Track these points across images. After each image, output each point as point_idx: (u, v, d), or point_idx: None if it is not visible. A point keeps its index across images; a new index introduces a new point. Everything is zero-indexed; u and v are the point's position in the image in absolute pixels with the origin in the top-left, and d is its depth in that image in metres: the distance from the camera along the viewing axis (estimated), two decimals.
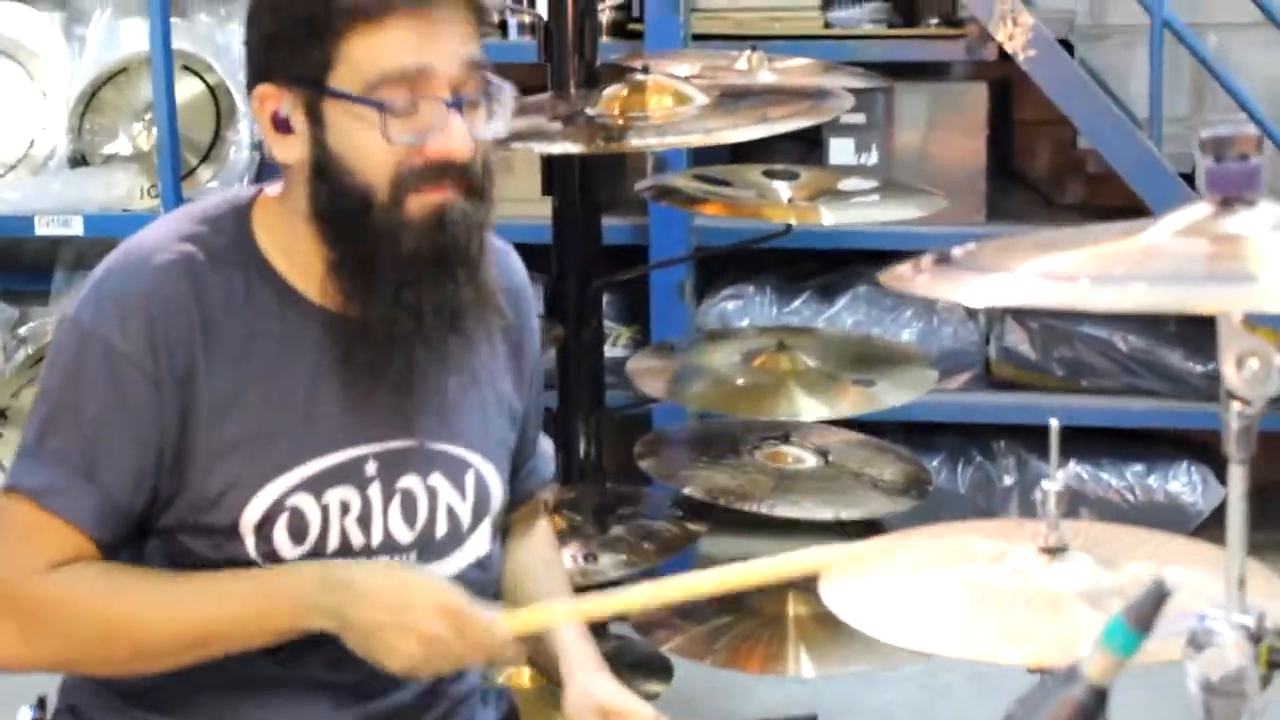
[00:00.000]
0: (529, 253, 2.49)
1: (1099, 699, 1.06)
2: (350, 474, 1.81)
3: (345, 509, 1.81)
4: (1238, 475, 1.21)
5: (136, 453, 1.75)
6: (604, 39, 3.71)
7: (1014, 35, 4.17)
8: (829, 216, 3.18)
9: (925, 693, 3.94)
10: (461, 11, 1.74)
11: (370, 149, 1.72)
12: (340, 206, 1.75)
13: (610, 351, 4.07)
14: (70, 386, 1.76)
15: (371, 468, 1.82)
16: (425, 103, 1.72)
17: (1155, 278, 1.12)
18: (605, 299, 3.67)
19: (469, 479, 1.90)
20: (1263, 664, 1.22)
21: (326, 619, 1.73)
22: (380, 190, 1.73)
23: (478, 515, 1.91)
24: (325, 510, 1.80)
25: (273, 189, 1.87)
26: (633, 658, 3.30)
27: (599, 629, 3.45)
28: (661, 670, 3.26)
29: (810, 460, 3.27)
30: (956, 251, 1.25)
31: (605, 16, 4.21)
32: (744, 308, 4.57)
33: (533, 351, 2.05)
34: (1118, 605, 1.45)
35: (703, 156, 4.20)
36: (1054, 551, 1.54)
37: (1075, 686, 1.05)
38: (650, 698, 3.16)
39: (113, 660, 1.78)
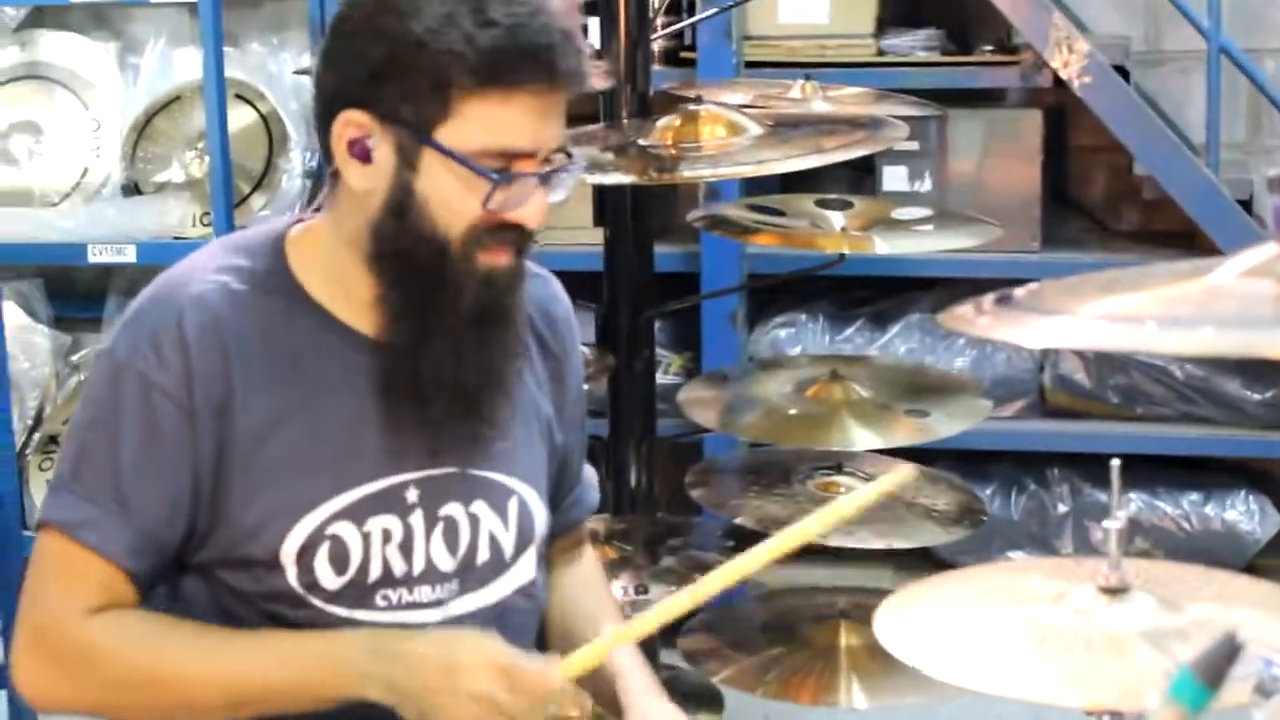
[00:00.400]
0: (581, 281, 2.49)
1: None
2: (391, 502, 1.80)
3: (387, 537, 1.80)
4: None
5: (170, 485, 1.74)
6: (656, 67, 3.71)
7: (1069, 62, 4.14)
8: (883, 246, 3.16)
9: None
10: (569, 91, 1.74)
11: (458, 205, 1.72)
12: (409, 249, 1.74)
13: (661, 379, 4.06)
14: (104, 419, 1.76)
15: (413, 495, 1.81)
16: (519, 175, 1.73)
17: (1223, 321, 1.10)
18: (657, 326, 3.65)
19: (512, 506, 1.89)
20: None
21: (378, 689, 1.72)
22: (454, 243, 1.74)
23: (521, 542, 1.90)
24: (366, 538, 1.79)
25: (310, 219, 1.87)
26: (685, 688, 3.28)
27: (651, 659, 3.43)
28: (713, 702, 3.24)
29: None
30: (1019, 292, 1.23)
31: (658, 45, 4.20)
32: (796, 335, 4.55)
33: (575, 379, 2.04)
34: (1180, 647, 1.44)
35: (754, 184, 4.18)
36: (1115, 592, 1.52)
37: None
38: None
39: (155, 709, 1.78)
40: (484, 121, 1.70)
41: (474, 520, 1.86)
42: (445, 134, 1.71)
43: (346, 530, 1.78)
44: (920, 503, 3.25)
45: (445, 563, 1.84)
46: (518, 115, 1.71)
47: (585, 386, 2.11)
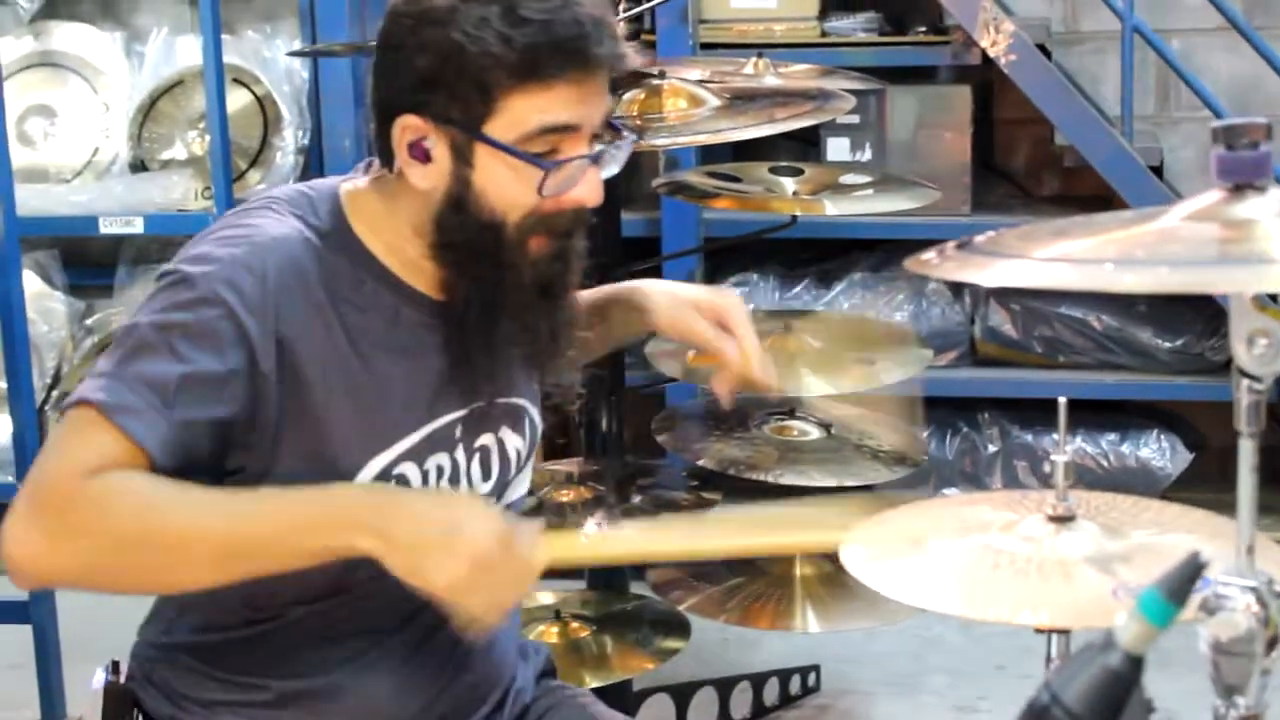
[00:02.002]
0: None
1: (1135, 666, 0.99)
2: (444, 440, 1.77)
3: (440, 473, 1.77)
4: (1248, 449, 1.15)
5: (219, 409, 1.61)
6: None
7: (996, 41, 4.11)
8: (832, 208, 3.12)
9: (919, 642, 3.91)
10: (608, 72, 1.70)
11: (515, 194, 1.68)
12: (471, 237, 1.70)
13: None
14: (170, 328, 1.62)
15: (458, 431, 1.78)
16: (569, 159, 1.68)
17: (1174, 261, 1.06)
18: None
19: (525, 423, 1.88)
20: (1272, 627, 1.16)
21: (370, 539, 1.58)
22: (509, 228, 1.69)
23: (530, 450, 1.90)
24: (425, 475, 1.75)
25: (356, 182, 1.79)
26: (653, 616, 3.25)
27: (621, 590, 3.40)
28: (679, 627, 3.20)
29: (814, 433, 3.22)
30: (979, 239, 1.18)
31: (620, 28, 4.13)
32: (749, 293, 4.51)
33: None
34: (1124, 570, 1.39)
35: (710, 154, 4.13)
36: (1062, 520, 1.48)
37: (1111, 655, 0.98)
38: (669, 654, 3.12)
39: (141, 567, 1.59)
40: (528, 113, 1.65)
41: (501, 444, 1.84)
42: (494, 128, 1.66)
43: (410, 470, 1.74)
44: (866, 444, 3.22)
45: (483, 487, 1.82)
46: (559, 102, 1.66)
47: None
